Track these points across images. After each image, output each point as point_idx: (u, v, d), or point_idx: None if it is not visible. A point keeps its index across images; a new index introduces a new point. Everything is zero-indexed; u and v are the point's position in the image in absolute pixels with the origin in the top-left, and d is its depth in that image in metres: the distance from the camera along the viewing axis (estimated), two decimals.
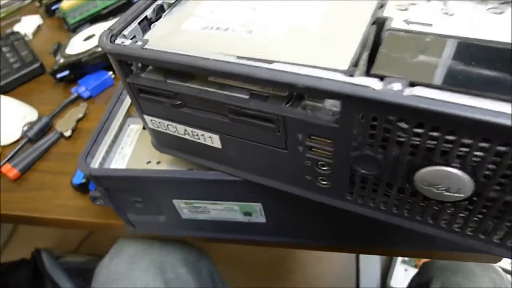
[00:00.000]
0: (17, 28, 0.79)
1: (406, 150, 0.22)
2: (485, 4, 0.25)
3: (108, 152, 0.38)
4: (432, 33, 0.23)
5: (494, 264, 0.48)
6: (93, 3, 0.70)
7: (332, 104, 0.24)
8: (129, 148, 0.39)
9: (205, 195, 0.35)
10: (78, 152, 0.53)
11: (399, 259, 0.99)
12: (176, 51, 0.25)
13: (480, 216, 0.23)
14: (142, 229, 0.42)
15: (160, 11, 0.31)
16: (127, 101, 0.42)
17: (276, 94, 0.25)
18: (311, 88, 0.21)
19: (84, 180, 0.46)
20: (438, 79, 0.20)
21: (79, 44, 0.63)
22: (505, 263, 0.82)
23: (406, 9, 0.26)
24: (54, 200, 0.48)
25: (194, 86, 0.27)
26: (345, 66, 0.22)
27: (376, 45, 0.26)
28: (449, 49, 0.22)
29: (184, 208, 0.37)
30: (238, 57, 0.24)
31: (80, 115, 0.57)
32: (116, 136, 0.40)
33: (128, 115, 0.42)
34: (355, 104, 0.21)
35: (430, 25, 0.24)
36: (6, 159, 0.53)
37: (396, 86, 0.20)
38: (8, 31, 0.77)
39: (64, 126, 0.56)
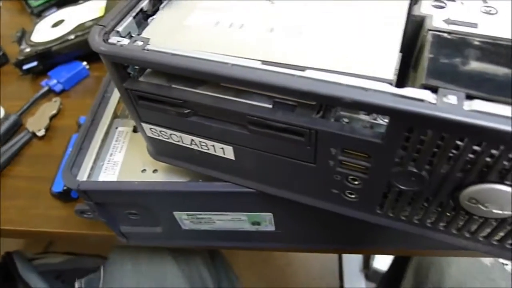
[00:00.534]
0: None
1: (458, 167, 0.19)
2: None
3: (95, 160, 0.34)
4: (480, 35, 0.21)
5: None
6: None
7: (370, 116, 0.22)
8: (119, 155, 0.35)
9: (211, 207, 0.32)
10: (54, 154, 0.49)
11: None
12: (185, 53, 0.22)
13: None
14: (136, 241, 0.39)
15: (157, 2, 0.27)
16: (114, 100, 0.38)
17: (304, 102, 0.22)
18: (358, 102, 0.18)
19: (65, 188, 0.41)
20: (497, 90, 0.18)
21: (47, 31, 0.57)
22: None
23: (443, 7, 0.23)
24: (31, 210, 0.43)
25: (205, 93, 0.23)
26: (389, 74, 0.19)
27: (410, 45, 0.24)
28: (504, 54, 0.20)
29: (186, 219, 0.34)
30: (263, 62, 0.21)
31: (54, 112, 0.52)
32: (103, 142, 0.35)
33: (115, 115, 0.38)
34: (406, 120, 0.18)
35: (475, 25, 0.21)
36: None
37: (453, 99, 0.18)
38: None
39: (36, 124, 0.50)
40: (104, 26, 0.24)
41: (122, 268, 0.45)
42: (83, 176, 0.32)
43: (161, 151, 0.30)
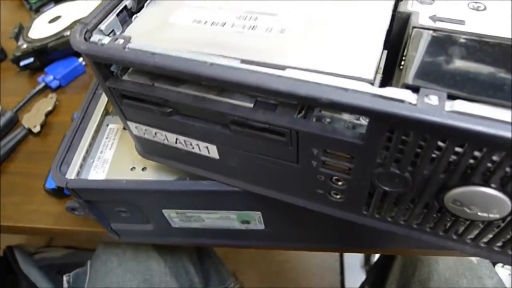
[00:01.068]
0: None
1: (440, 169, 0.19)
2: None
3: (85, 158, 0.34)
4: (466, 32, 0.20)
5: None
6: None
7: (352, 115, 0.21)
8: (109, 153, 0.35)
9: (199, 205, 0.31)
10: (49, 150, 0.49)
11: None
12: (165, 52, 0.21)
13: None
14: (128, 238, 0.39)
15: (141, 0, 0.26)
16: (105, 96, 0.38)
17: (286, 102, 0.22)
18: (336, 103, 0.17)
19: None
20: (481, 90, 0.18)
21: (44, 27, 0.57)
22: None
23: (430, 3, 0.22)
24: (26, 206, 0.43)
25: (187, 92, 0.23)
26: (370, 73, 0.19)
27: (396, 43, 0.23)
28: (490, 52, 0.19)
29: (175, 217, 0.33)
30: (243, 61, 0.20)
31: (49, 108, 0.52)
32: (93, 139, 0.35)
33: (106, 112, 0.38)
34: (386, 121, 0.18)
35: (463, 22, 0.21)
36: None
37: (434, 99, 0.17)
38: None
39: (32, 121, 0.50)
40: (85, 24, 0.23)
41: (107, 264, 0.45)
42: (72, 174, 0.32)
43: (148, 149, 0.30)
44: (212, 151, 0.26)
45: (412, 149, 0.19)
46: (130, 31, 0.24)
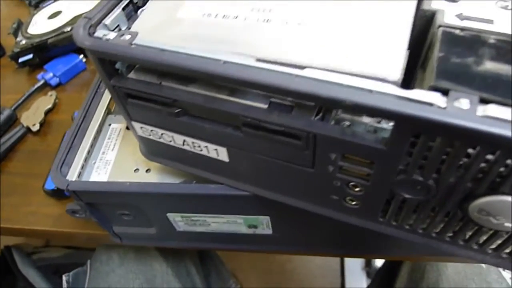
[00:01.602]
0: None
1: (468, 177, 0.18)
2: None
3: (87, 159, 0.33)
4: (496, 32, 0.19)
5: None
6: None
7: (373, 119, 0.20)
8: (111, 154, 0.33)
9: (206, 209, 0.30)
10: (49, 149, 0.48)
11: None
12: (175, 48, 0.20)
13: None
14: (130, 241, 0.38)
15: None
16: (107, 95, 0.36)
17: (302, 103, 0.21)
18: (361, 105, 0.16)
19: None
20: None
21: (43, 23, 0.55)
22: None
23: (456, 1, 0.21)
24: (24, 208, 0.42)
25: (197, 91, 0.22)
26: (396, 74, 0.18)
27: (418, 42, 0.22)
28: None
29: (180, 221, 0.32)
30: (258, 59, 0.19)
31: (49, 106, 0.50)
32: (95, 139, 0.34)
33: (108, 111, 0.36)
34: (413, 125, 0.16)
35: (491, 21, 0.20)
36: None
37: (465, 103, 0.16)
38: None
39: (31, 119, 0.49)
40: (89, 18, 0.22)
41: (109, 264, 0.44)
42: (73, 175, 0.31)
43: (153, 150, 0.29)
44: (221, 153, 0.24)
45: (439, 156, 0.17)
46: (136, 27, 0.23)
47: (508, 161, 0.16)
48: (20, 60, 0.54)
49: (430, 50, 0.20)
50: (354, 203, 0.23)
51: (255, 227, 0.32)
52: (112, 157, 0.33)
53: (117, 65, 0.23)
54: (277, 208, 0.28)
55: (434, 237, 0.23)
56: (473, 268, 0.42)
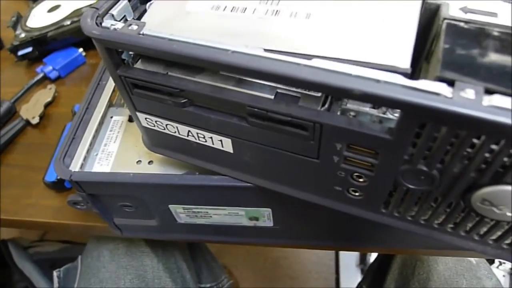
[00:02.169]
0: None
1: (473, 166, 0.18)
2: None
3: (89, 150, 0.33)
4: (500, 25, 0.19)
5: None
6: None
7: (379, 109, 0.20)
8: (114, 145, 0.33)
9: (207, 201, 0.30)
10: (48, 142, 0.47)
11: None
12: (183, 38, 0.20)
13: None
14: (130, 233, 0.38)
15: None
16: (109, 87, 0.36)
17: (308, 94, 0.21)
18: (369, 95, 0.16)
19: (58, 177, 0.40)
20: None
21: (42, 16, 0.55)
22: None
23: None
24: (24, 200, 0.42)
25: (204, 82, 0.22)
26: (406, 63, 0.18)
27: (423, 35, 0.22)
28: None
29: (182, 213, 0.32)
30: (267, 50, 0.19)
31: (48, 99, 0.50)
32: (97, 131, 0.34)
33: (110, 104, 0.36)
34: (420, 114, 0.17)
35: (495, 14, 0.20)
36: None
37: (470, 93, 0.16)
38: None
39: (30, 112, 0.49)
40: (97, 8, 0.22)
41: (100, 259, 0.44)
42: (75, 166, 0.31)
43: (156, 142, 0.29)
44: (226, 144, 0.25)
45: (444, 145, 0.18)
46: (144, 20, 0.23)
47: None
48: (19, 53, 0.54)
49: (435, 42, 0.20)
50: (357, 194, 0.24)
51: (256, 219, 0.32)
52: (114, 149, 0.33)
53: (124, 56, 0.24)
54: (279, 200, 0.29)
55: (435, 228, 0.23)
56: (463, 264, 0.43)
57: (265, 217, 0.32)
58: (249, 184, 0.27)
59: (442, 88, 0.17)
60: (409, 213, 0.23)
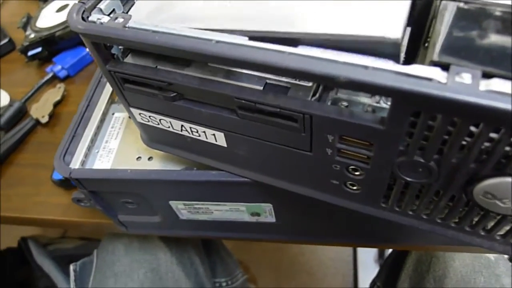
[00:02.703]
0: None
1: (472, 157, 0.17)
2: None
3: (90, 148, 0.33)
4: (502, 4, 0.18)
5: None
6: None
7: (372, 98, 0.19)
8: (114, 142, 0.33)
9: (208, 196, 0.30)
10: (57, 141, 0.47)
11: None
12: (168, 30, 0.20)
13: None
14: (135, 230, 0.38)
15: None
16: None
17: (298, 84, 0.20)
18: (356, 82, 0.15)
19: None
20: None
21: (51, 16, 0.56)
22: None
23: None
24: (34, 198, 0.42)
25: (192, 74, 0.22)
26: (397, 32, 0.17)
27: (421, 19, 0.21)
28: None
29: (183, 209, 0.32)
30: (251, 38, 0.18)
31: (58, 98, 0.51)
32: (98, 128, 0.34)
33: (111, 101, 0.36)
34: (412, 102, 0.16)
35: None
36: None
37: (467, 78, 0.15)
38: None
39: (40, 111, 0.49)
40: (83, 3, 0.22)
41: (114, 253, 0.45)
42: (76, 163, 0.31)
43: (153, 137, 0.29)
44: (219, 138, 0.24)
45: (440, 135, 0.17)
46: (131, 12, 0.23)
47: None
48: (29, 53, 0.54)
49: (433, 25, 0.19)
50: (355, 188, 0.23)
51: (258, 215, 0.32)
52: (115, 145, 0.33)
53: (113, 50, 0.23)
54: (279, 195, 0.28)
55: (439, 223, 0.22)
56: (481, 260, 0.41)
57: (266, 213, 0.31)
58: (246, 179, 0.26)
59: (435, 73, 0.15)
60: (410, 208, 0.22)
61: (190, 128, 0.24)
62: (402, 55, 0.19)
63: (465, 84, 0.15)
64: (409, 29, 0.20)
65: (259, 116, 0.20)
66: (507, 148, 0.16)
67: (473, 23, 0.17)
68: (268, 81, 0.20)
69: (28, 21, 0.57)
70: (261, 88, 0.20)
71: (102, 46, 0.22)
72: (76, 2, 0.22)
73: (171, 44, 0.19)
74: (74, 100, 0.52)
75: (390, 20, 0.17)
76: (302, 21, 0.19)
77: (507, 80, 0.15)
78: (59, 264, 0.82)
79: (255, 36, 0.18)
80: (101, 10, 0.22)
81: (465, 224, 0.21)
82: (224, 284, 0.59)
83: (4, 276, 0.86)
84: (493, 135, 0.16)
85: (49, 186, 0.43)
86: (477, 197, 0.19)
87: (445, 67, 0.16)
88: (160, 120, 0.25)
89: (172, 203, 0.31)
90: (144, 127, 0.28)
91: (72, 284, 0.49)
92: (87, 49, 0.54)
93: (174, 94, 0.22)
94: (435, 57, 0.17)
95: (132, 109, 0.26)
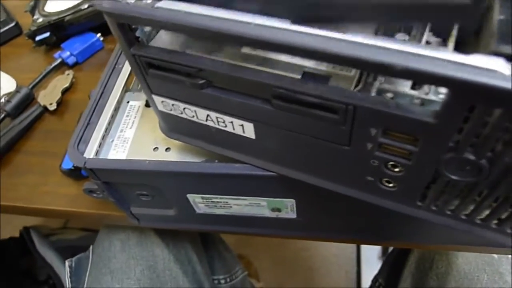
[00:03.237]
0: None
1: None
2: None
3: (104, 137, 0.31)
4: None
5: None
6: None
7: (420, 90, 0.18)
8: (130, 131, 0.32)
9: (228, 190, 0.29)
10: (65, 129, 0.47)
11: None
12: (201, 11, 0.18)
13: None
14: (148, 223, 0.37)
15: None
16: (125, 71, 0.35)
17: (339, 73, 0.19)
18: (414, 71, 0.14)
19: (75, 165, 0.39)
20: None
21: (60, 0, 0.54)
22: None
23: None
24: (41, 187, 0.41)
25: (224, 60, 0.20)
26: None
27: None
28: None
29: (200, 203, 0.31)
30: (293, 22, 0.17)
31: (66, 85, 0.49)
32: (113, 117, 0.33)
33: (126, 89, 0.35)
34: (471, 94, 0.15)
35: None
36: None
37: None
38: None
39: (48, 98, 0.48)
40: None
41: (111, 249, 0.44)
42: (90, 153, 0.30)
43: (174, 127, 0.28)
44: (247, 130, 0.23)
45: (497, 131, 0.16)
46: None
47: None
48: (37, 38, 0.53)
49: (488, 13, 0.18)
50: (391, 185, 0.21)
51: (279, 210, 0.31)
52: (130, 135, 0.32)
53: (138, 33, 0.22)
54: (304, 190, 0.27)
55: (478, 224, 0.21)
56: (484, 258, 0.40)
57: (288, 208, 0.30)
58: (272, 173, 0.25)
59: (498, 64, 0.14)
60: (448, 207, 0.21)
61: (217, 118, 0.23)
62: (452, 45, 0.18)
63: None
64: None
65: (296, 107, 0.19)
66: None
67: None
68: (306, 69, 0.19)
69: (36, 5, 0.56)
70: (300, 76, 0.19)
71: (127, 28, 0.21)
72: None
73: (207, 26, 0.17)
74: (82, 88, 0.50)
75: None
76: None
77: None
78: (61, 255, 0.81)
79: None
80: None
81: (507, 226, 0.20)
82: (222, 281, 0.58)
83: (7, 266, 0.85)
84: None
85: (57, 175, 0.41)
86: None
87: (508, 57, 0.15)
88: (184, 108, 0.24)
89: (190, 196, 0.30)
90: (164, 116, 0.26)
91: (68, 280, 0.48)
92: (97, 35, 0.52)
93: (203, 81, 0.21)
94: (496, 47, 0.15)
95: (154, 97, 0.25)
